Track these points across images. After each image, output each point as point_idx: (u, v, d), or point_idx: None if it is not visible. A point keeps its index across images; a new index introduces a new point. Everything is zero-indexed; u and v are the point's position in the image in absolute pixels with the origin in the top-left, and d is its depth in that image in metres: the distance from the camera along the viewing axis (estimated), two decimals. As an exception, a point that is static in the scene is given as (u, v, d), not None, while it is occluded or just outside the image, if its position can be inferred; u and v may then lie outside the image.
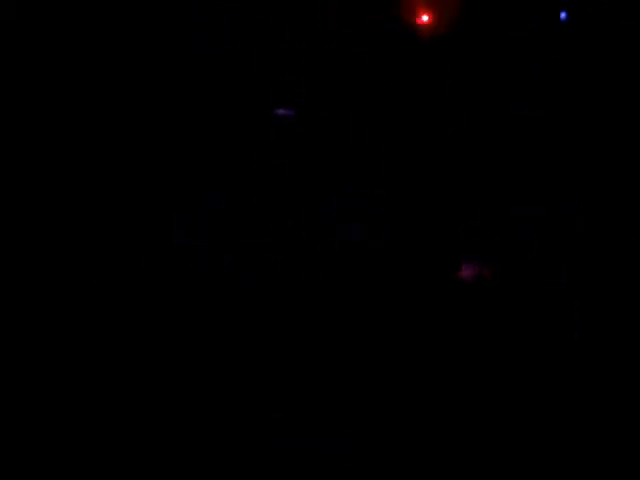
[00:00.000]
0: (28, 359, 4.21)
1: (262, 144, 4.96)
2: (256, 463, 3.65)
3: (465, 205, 4.75)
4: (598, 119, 4.63)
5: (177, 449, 3.72)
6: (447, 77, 4.78)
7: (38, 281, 4.59)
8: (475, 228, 4.69)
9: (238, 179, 4.92)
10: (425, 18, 3.91)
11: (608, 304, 4.34)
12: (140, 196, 4.91)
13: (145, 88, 4.99)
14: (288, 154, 4.93)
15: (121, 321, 4.49)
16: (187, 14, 4.98)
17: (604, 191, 4.58)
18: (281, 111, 4.27)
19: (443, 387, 4.08)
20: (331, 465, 3.62)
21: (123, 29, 4.90)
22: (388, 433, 3.82)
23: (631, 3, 4.54)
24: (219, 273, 4.75)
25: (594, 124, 4.64)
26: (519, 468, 3.62)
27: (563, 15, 4.44)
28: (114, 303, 4.60)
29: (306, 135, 4.95)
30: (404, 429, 3.85)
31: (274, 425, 3.85)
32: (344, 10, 4.44)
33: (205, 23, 5.03)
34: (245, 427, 3.84)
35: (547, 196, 4.64)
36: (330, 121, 4.92)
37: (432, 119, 4.86)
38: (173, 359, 4.30)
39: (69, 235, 4.73)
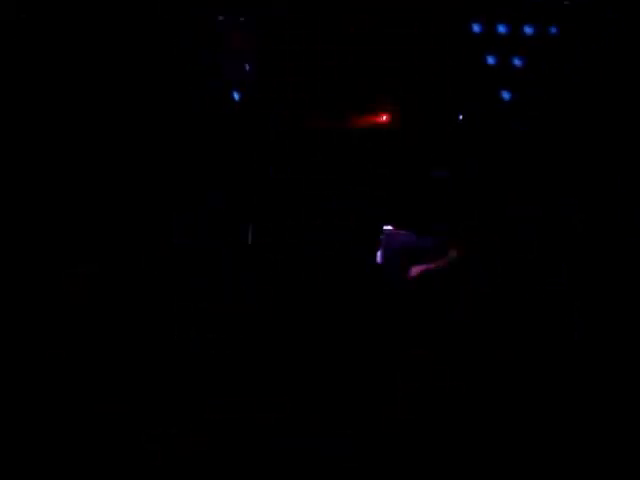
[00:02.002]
0: (28, 359, 4.22)
1: (262, 145, 4.96)
2: (256, 463, 3.65)
3: (465, 205, 4.75)
4: (594, 122, 4.64)
5: (177, 449, 3.72)
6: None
7: (37, 281, 4.60)
8: (475, 228, 4.69)
9: (238, 179, 4.93)
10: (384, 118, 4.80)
11: (608, 304, 4.34)
12: (140, 196, 4.91)
13: (145, 88, 4.99)
14: (287, 154, 4.93)
15: (121, 321, 4.50)
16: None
17: (602, 191, 4.58)
18: None
19: (444, 387, 4.08)
20: (331, 465, 3.63)
21: (123, 28, 4.91)
22: (388, 433, 3.82)
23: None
24: (219, 273, 4.75)
25: (590, 126, 4.64)
26: (519, 468, 3.62)
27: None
28: (114, 303, 4.60)
29: (306, 136, 4.96)
30: (404, 429, 3.86)
31: (274, 425, 3.86)
32: None
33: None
34: (245, 427, 3.84)
35: (546, 196, 4.65)
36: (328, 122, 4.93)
37: (430, 117, 4.86)
38: (173, 359, 4.30)
39: (69, 234, 4.74)
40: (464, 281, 4.59)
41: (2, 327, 4.32)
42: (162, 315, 4.54)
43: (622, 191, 4.53)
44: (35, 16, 4.83)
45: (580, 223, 4.54)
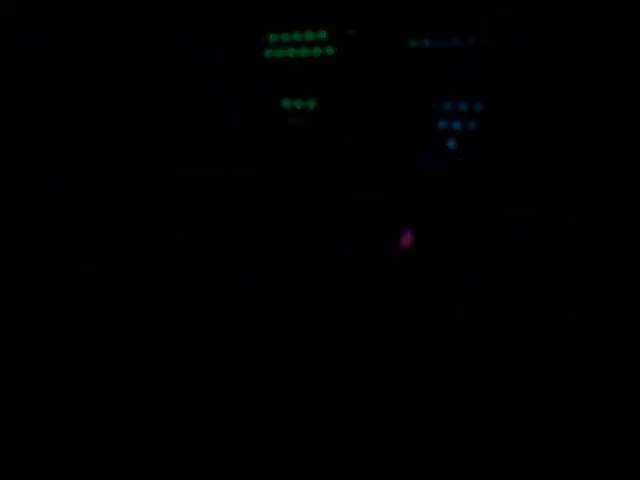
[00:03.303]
0: (28, 359, 4.22)
1: (262, 144, 4.97)
2: (256, 463, 3.66)
3: (461, 205, 4.76)
4: (591, 121, 4.64)
5: (177, 449, 3.72)
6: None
7: (38, 280, 4.60)
8: (470, 228, 4.70)
9: (238, 179, 4.93)
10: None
11: (604, 305, 4.35)
12: (140, 196, 4.91)
13: (145, 86, 5.00)
14: (288, 154, 4.93)
15: (121, 321, 4.50)
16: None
17: (599, 192, 4.59)
18: None
19: (444, 387, 4.08)
20: (330, 465, 3.63)
21: (123, 31, 4.91)
22: (388, 433, 3.82)
23: None
24: (219, 273, 4.75)
25: (587, 126, 4.65)
26: (519, 468, 3.62)
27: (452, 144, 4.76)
28: (114, 302, 4.60)
29: (306, 136, 4.96)
30: (404, 429, 3.86)
31: (274, 425, 3.86)
32: None
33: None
34: (245, 427, 3.84)
35: (542, 197, 4.65)
36: (328, 124, 4.94)
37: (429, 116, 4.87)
38: (173, 359, 4.31)
39: (69, 234, 4.74)
40: (461, 281, 4.60)
41: (2, 327, 4.33)
42: (162, 315, 4.54)
43: (619, 191, 4.53)
44: (34, 14, 4.83)
45: (576, 224, 4.54)
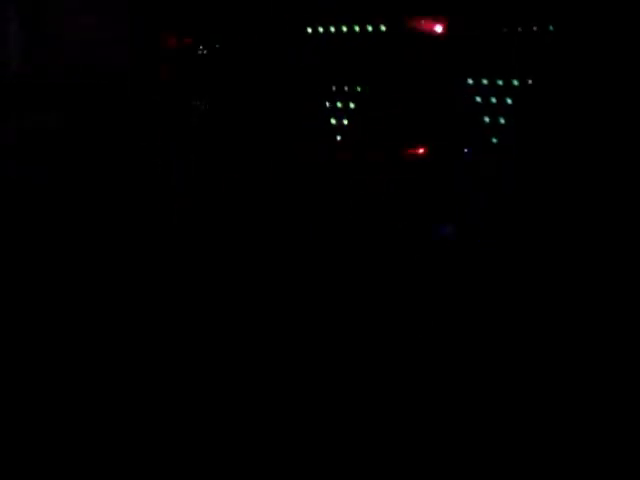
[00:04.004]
0: (28, 357, 4.22)
1: (265, 144, 4.97)
2: (256, 463, 3.66)
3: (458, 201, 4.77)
4: (592, 121, 4.64)
5: (177, 449, 3.72)
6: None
7: (38, 279, 4.60)
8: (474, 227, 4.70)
9: (241, 178, 4.94)
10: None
11: (603, 304, 4.35)
12: (141, 193, 4.92)
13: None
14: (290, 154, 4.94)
15: (121, 321, 4.50)
16: None
17: (598, 191, 4.59)
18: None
19: (444, 386, 4.09)
20: (331, 465, 3.63)
21: None
22: (388, 433, 3.83)
23: None
24: (219, 273, 4.76)
25: (587, 125, 4.65)
26: (519, 468, 3.62)
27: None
28: (114, 302, 4.60)
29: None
30: (404, 428, 3.86)
31: (274, 425, 3.86)
32: None
33: None
34: (245, 427, 3.85)
35: (542, 195, 4.66)
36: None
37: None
38: (174, 358, 4.31)
39: (70, 237, 4.74)
40: (461, 281, 4.61)
41: (2, 326, 4.33)
42: (162, 315, 4.54)
43: (618, 190, 4.54)
44: None
45: (575, 222, 4.55)
